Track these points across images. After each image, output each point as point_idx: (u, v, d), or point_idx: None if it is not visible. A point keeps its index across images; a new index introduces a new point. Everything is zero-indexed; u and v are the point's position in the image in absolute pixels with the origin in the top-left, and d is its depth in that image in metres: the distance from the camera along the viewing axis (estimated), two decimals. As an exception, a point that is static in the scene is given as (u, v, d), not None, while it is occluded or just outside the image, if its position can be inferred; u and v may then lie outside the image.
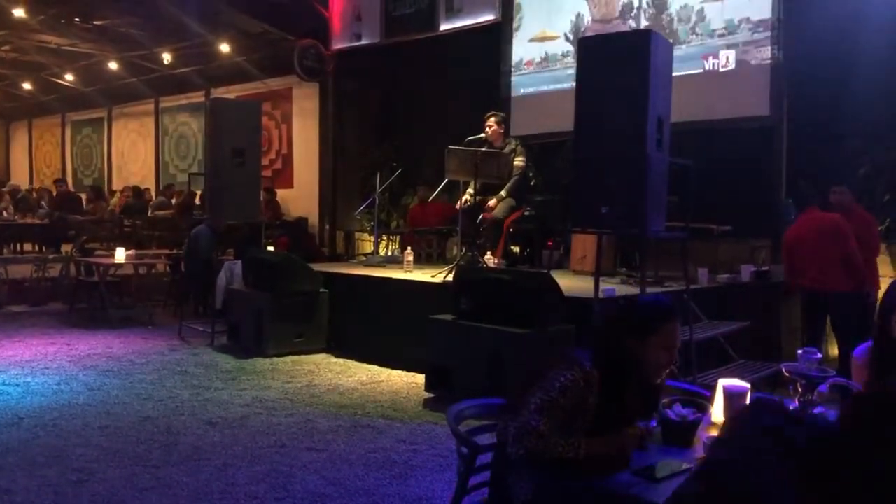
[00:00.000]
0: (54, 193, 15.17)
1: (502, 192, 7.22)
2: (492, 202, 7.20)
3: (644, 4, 8.41)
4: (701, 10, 7.94)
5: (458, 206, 7.16)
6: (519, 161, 7.24)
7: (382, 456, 4.37)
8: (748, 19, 7.53)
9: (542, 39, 9.44)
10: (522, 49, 9.58)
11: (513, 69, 9.57)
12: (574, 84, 5.46)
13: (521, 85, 9.52)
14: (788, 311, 6.47)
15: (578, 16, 9.11)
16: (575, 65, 5.99)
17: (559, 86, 8.94)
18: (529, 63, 9.56)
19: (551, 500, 2.25)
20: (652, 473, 2.20)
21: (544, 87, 9.21)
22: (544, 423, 2.22)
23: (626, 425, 2.31)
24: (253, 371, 6.53)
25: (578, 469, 2.22)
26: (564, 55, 9.20)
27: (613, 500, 2.16)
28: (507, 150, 7.23)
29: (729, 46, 7.64)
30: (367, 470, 4.16)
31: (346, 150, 11.84)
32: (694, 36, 7.99)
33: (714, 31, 7.83)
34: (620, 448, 2.27)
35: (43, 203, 14.61)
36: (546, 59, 9.38)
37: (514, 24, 9.59)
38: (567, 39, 9.24)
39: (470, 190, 7.17)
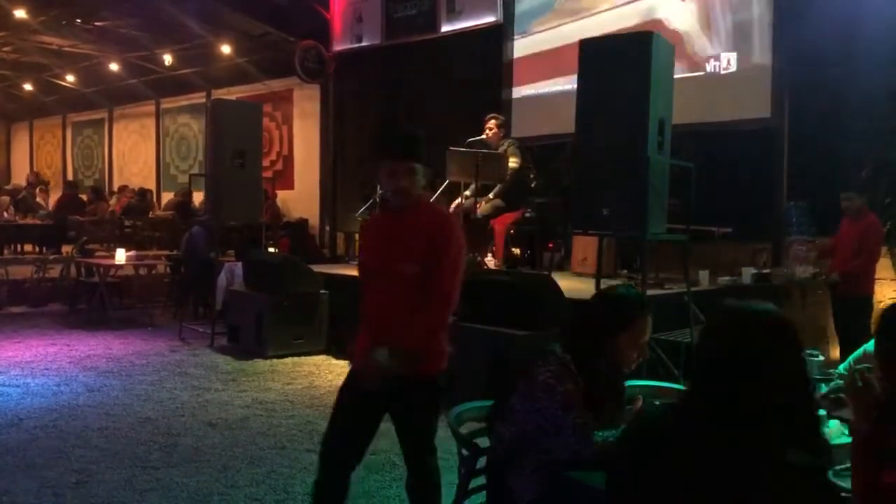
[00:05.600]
0: (50, 197, 15.15)
1: (490, 195, 7.22)
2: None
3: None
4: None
5: (452, 207, 7.13)
6: (512, 162, 7.17)
7: (383, 458, 4.35)
8: (750, 21, 7.51)
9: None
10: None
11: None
12: (575, 86, 5.45)
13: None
14: (789, 313, 6.46)
15: None
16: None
17: (560, 88, 8.91)
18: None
19: (558, 500, 2.24)
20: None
21: (545, 90, 9.18)
22: (587, 442, 2.23)
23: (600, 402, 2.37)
24: (253, 372, 6.53)
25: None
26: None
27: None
28: (500, 150, 7.20)
29: (730, 49, 7.63)
30: (367, 472, 4.15)
31: (347, 152, 11.83)
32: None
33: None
34: None
35: (40, 202, 14.59)
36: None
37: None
38: None
39: (466, 192, 7.16)
